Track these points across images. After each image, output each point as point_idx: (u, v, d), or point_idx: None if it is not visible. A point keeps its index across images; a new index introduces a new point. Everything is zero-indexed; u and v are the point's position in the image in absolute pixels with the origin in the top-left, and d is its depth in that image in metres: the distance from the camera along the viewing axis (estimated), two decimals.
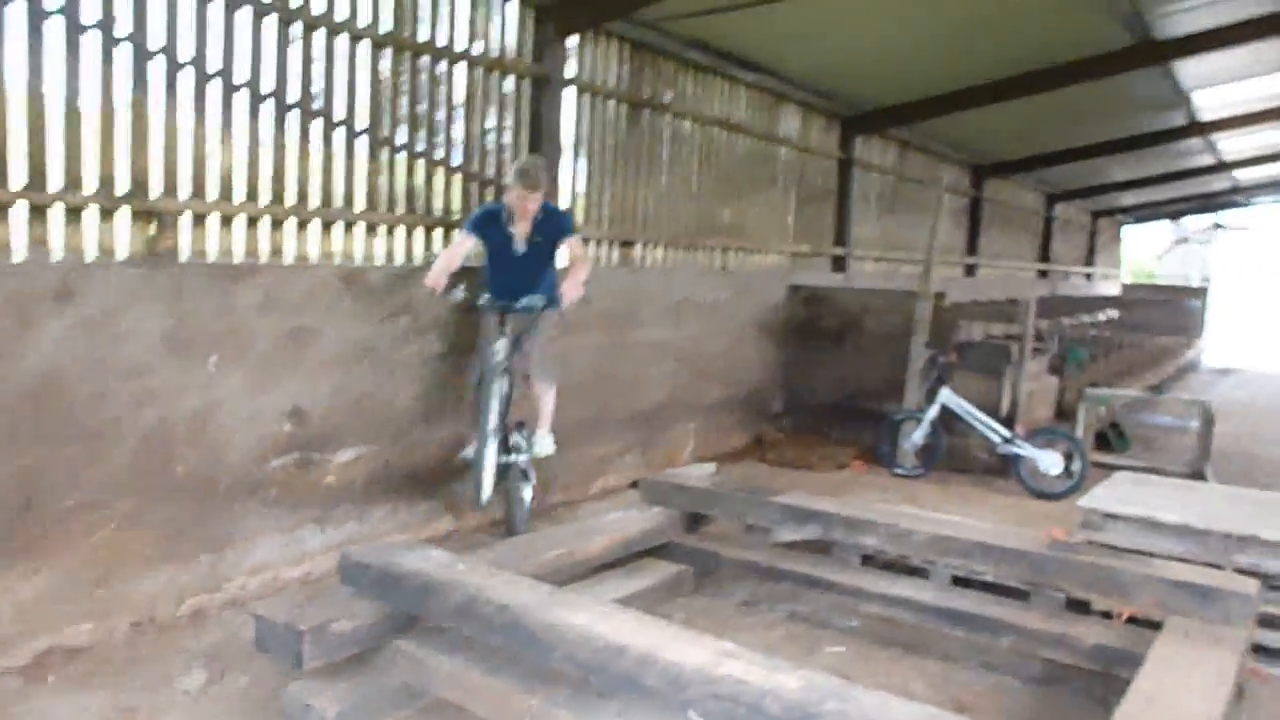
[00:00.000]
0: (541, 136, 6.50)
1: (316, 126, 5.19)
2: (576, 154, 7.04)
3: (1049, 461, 6.88)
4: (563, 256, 5.36)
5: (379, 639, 3.38)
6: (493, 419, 5.04)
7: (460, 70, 5.97)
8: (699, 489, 4.82)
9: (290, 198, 5.09)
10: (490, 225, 5.19)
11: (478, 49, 6.04)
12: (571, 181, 7.03)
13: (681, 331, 7.43)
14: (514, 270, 5.19)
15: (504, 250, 5.21)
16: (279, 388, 4.64)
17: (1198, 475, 7.26)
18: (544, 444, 5.40)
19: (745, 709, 2.49)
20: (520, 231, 5.18)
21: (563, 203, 6.79)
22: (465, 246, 5.17)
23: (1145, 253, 35.39)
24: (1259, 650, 4.06)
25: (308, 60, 5.10)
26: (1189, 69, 10.73)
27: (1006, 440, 7.08)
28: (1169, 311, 19.46)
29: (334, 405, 4.89)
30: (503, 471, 5.22)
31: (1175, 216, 29.98)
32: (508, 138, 6.37)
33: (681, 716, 2.66)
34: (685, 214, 8.31)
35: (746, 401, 8.30)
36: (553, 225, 5.23)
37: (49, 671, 3.63)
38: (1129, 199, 22.76)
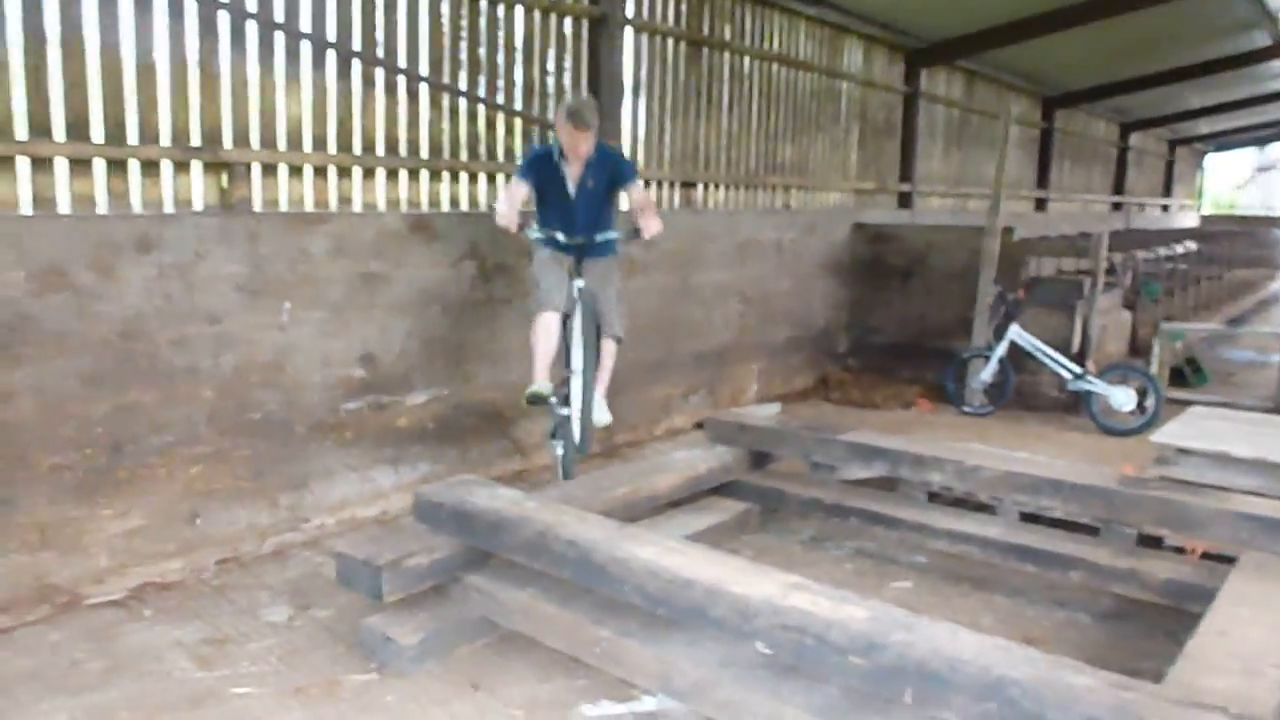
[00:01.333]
0: (601, 78, 6.48)
1: (379, 75, 5.24)
2: (636, 95, 6.99)
3: (1122, 398, 6.76)
4: (632, 198, 5.09)
5: (454, 574, 3.49)
6: (578, 357, 4.82)
7: (519, 13, 5.96)
8: (764, 428, 4.84)
9: (356, 146, 5.16)
10: (543, 167, 4.87)
11: None
12: (632, 123, 6.99)
13: (745, 272, 7.40)
14: (568, 213, 4.90)
15: (557, 192, 4.92)
16: (350, 333, 4.75)
17: (1277, 410, 7.06)
18: (602, 412, 5.00)
19: (812, 639, 2.53)
20: (573, 173, 4.88)
21: (624, 145, 6.77)
22: (520, 193, 4.82)
23: (1226, 182, 34.04)
24: None
25: (369, 8, 5.13)
26: None
27: (1078, 376, 6.96)
28: (1249, 243, 18.78)
29: (404, 349, 5.00)
30: (560, 425, 4.91)
31: (1259, 144, 28.74)
32: (568, 80, 6.36)
33: (749, 646, 2.72)
34: (747, 153, 8.23)
35: (812, 341, 8.27)
36: (609, 169, 4.95)
37: (144, 604, 3.82)
38: (1208, 126, 21.84)
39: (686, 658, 2.93)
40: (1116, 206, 18.78)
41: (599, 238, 4.85)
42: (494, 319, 5.44)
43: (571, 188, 4.92)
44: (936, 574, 4.30)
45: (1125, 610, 3.89)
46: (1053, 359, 7.03)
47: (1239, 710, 2.16)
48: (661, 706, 3.11)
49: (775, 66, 8.43)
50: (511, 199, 4.79)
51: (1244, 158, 32.43)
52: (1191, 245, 12.59)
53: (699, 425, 5.72)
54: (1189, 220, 24.17)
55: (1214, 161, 29.37)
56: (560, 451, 4.92)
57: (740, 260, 7.34)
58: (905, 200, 10.80)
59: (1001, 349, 7.14)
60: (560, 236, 4.80)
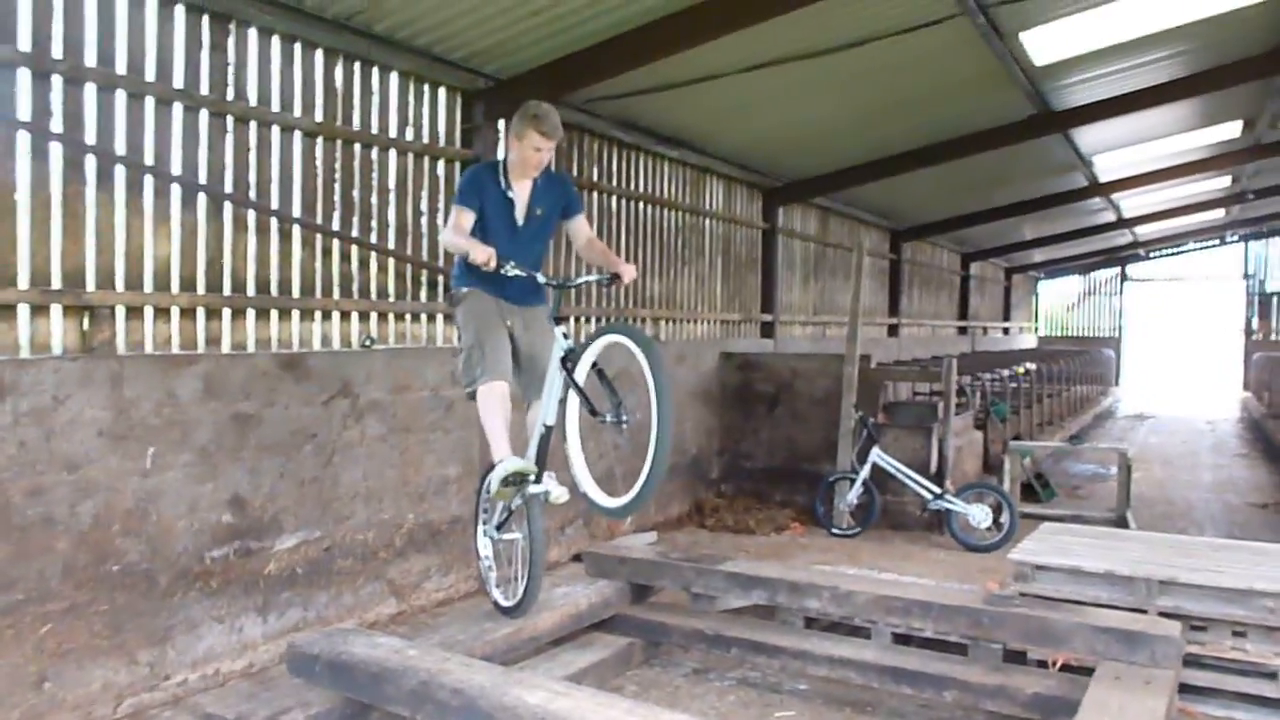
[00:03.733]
0: None
1: (251, 216, 5.24)
2: None
3: (979, 515, 7.09)
4: (582, 234, 4.47)
5: None
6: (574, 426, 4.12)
7: (393, 156, 6.09)
8: (644, 560, 4.88)
9: (226, 287, 5.11)
10: (487, 187, 4.17)
11: (409, 135, 6.16)
12: None
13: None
14: (515, 246, 4.13)
15: (501, 221, 4.20)
16: (219, 475, 4.61)
17: (1120, 521, 7.53)
18: (558, 488, 4.21)
19: None
20: (522, 197, 4.20)
21: None
22: (468, 221, 4.11)
23: (1058, 305, 36.67)
24: (1186, 689, 4.23)
25: (242, 151, 5.16)
26: (1087, 136, 11.37)
27: (937, 496, 7.28)
28: (1084, 361, 20.16)
29: (274, 491, 4.86)
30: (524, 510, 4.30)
31: (1084, 271, 31.23)
32: (441, 220, 6.48)
33: None
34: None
35: (686, 468, 8.40)
36: (558, 194, 4.31)
37: None
38: (1040, 255, 23.74)
39: None
40: (962, 330, 19.99)
41: (545, 280, 4.14)
42: (369, 457, 5.37)
43: (520, 214, 4.24)
44: (819, 700, 4.36)
45: None
46: (913, 479, 7.35)
47: None
48: None
49: (642, 205, 8.79)
50: (460, 229, 4.09)
51: (1071, 283, 35.14)
52: (1032, 365, 13.47)
53: (576, 558, 5.71)
54: (1028, 341, 25.86)
55: (1046, 287, 31.71)
56: (527, 543, 4.26)
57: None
58: (768, 329, 11.25)
59: (866, 471, 7.43)
60: (511, 268, 3.98)
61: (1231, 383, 24.35)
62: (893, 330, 15.70)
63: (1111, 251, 26.05)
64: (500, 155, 4.41)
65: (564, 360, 4.02)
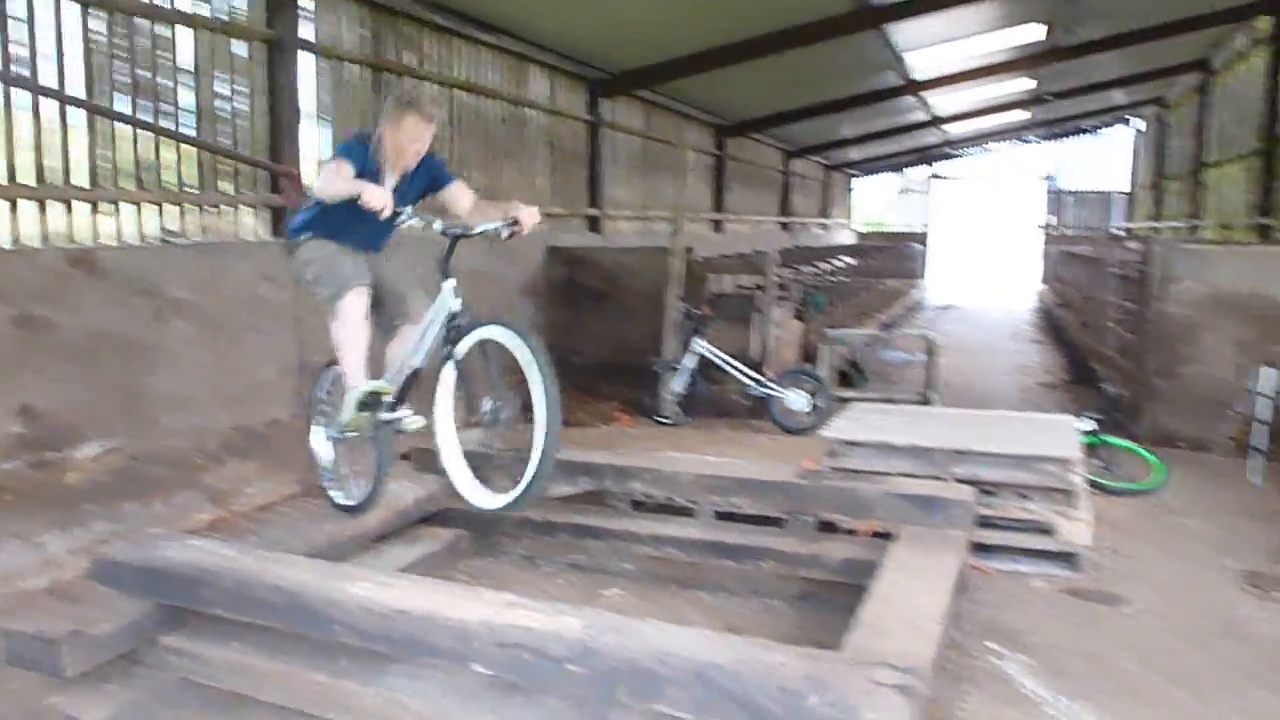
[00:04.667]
0: (279, 102, 6.24)
1: (20, 96, 4.75)
2: (319, 120, 6.80)
3: (798, 400, 7.41)
4: (462, 200, 4.29)
5: (146, 638, 3.23)
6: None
7: (186, 33, 5.62)
8: (472, 453, 4.85)
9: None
10: (361, 161, 3.93)
11: (204, 10, 5.70)
12: (317, 150, 6.79)
13: None
14: (374, 230, 4.05)
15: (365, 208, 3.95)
16: (4, 383, 4.26)
17: (925, 402, 8.04)
18: (413, 416, 4.22)
19: (531, 653, 2.59)
20: (390, 178, 4.05)
21: (306, 173, 6.55)
22: (349, 170, 3.84)
23: (874, 203, 38.17)
24: (979, 548, 4.62)
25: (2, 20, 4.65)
26: (901, 33, 11.69)
27: (759, 383, 7.55)
28: (896, 256, 21.19)
29: (71, 399, 4.55)
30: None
31: (899, 169, 32.55)
32: (243, 104, 6.07)
33: (471, 670, 2.74)
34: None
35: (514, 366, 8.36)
36: (428, 175, 4.18)
37: None
38: (857, 154, 24.50)
39: (409, 691, 2.89)
40: (784, 226, 20.55)
41: (443, 228, 4.02)
42: (177, 360, 5.08)
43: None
44: (645, 579, 4.51)
45: (813, 591, 4.27)
46: (736, 368, 7.59)
47: (904, 664, 2.47)
48: None
49: (462, 94, 8.50)
50: (344, 174, 3.81)
51: (887, 181, 36.60)
52: (849, 260, 14.07)
53: (405, 456, 5.64)
54: (845, 237, 26.86)
55: (862, 184, 32.90)
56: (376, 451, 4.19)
57: (437, 288, 7.28)
58: (595, 224, 11.23)
59: (691, 361, 7.61)
60: (405, 217, 3.90)
61: (1030, 276, 26.07)
62: (717, 225, 15.97)
63: (923, 150, 27.18)
64: (369, 131, 4.06)
65: (451, 321, 3.88)
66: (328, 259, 4.04)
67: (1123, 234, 18.84)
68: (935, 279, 25.70)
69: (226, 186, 5.93)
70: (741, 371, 7.59)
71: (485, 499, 4.02)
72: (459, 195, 4.24)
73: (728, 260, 9.65)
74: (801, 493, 4.25)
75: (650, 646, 2.51)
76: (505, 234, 4.00)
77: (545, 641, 2.59)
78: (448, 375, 3.97)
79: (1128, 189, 27.25)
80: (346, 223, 3.97)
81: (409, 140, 3.94)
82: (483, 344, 3.85)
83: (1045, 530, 4.62)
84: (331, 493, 4.38)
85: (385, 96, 7.34)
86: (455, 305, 3.91)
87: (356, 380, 3.99)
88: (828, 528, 4.47)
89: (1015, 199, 34.93)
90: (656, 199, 13.22)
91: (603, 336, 8.68)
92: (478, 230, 4.02)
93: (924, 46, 12.92)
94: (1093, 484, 5.51)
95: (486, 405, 3.84)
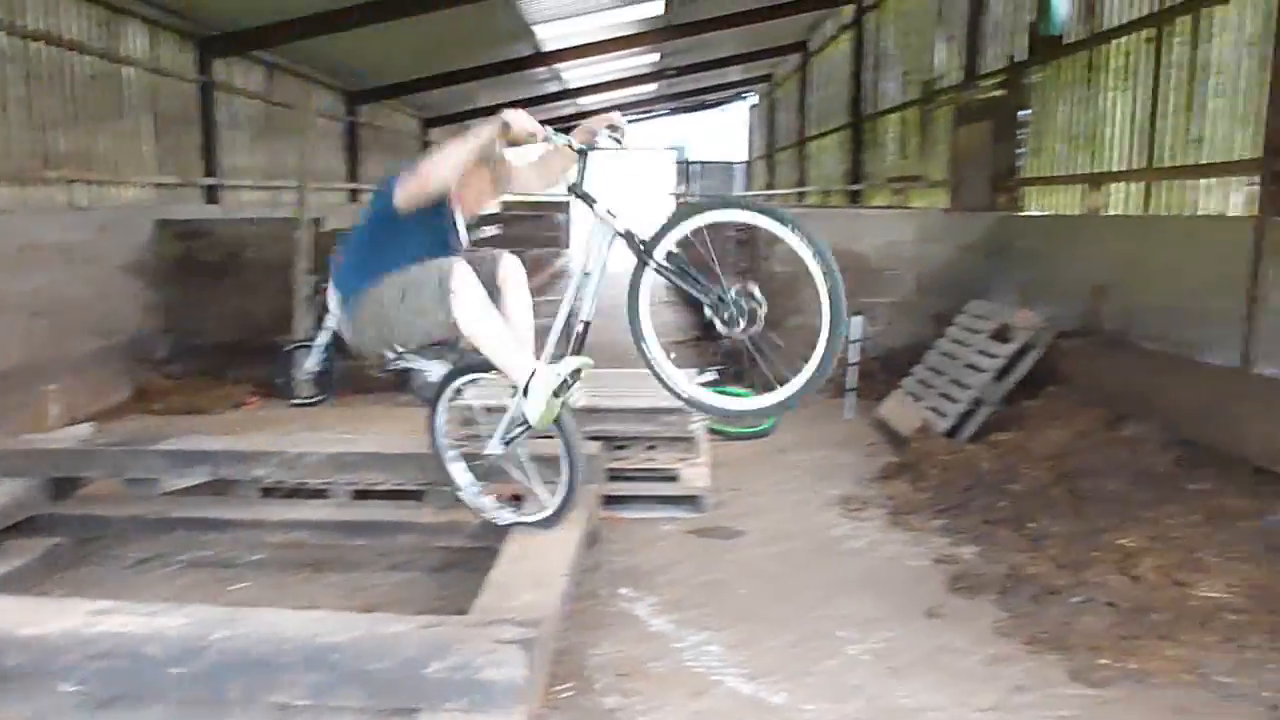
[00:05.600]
0: None
1: None
2: None
3: (439, 370, 7.33)
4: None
5: None
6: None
7: None
8: (65, 450, 4.33)
9: None
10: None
11: None
12: None
13: (28, 282, 6.48)
14: (438, 221, 3.73)
15: (439, 230, 3.73)
16: None
17: None
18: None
19: (127, 660, 2.37)
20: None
21: None
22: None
23: None
24: (613, 500, 4.84)
25: None
26: (531, 3, 11.84)
27: (396, 356, 7.36)
28: (540, 225, 21.63)
29: None
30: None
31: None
32: None
33: (56, 690, 2.45)
34: (8, 143, 7.18)
35: (124, 351, 7.56)
36: None
37: None
38: None
39: None
40: None
41: (578, 145, 3.62)
42: None
43: (459, 237, 3.83)
44: (275, 567, 4.27)
45: (453, 560, 4.27)
46: None
47: (526, 619, 2.52)
48: None
49: (40, 46, 7.47)
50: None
51: (531, 152, 37.20)
52: (494, 229, 14.11)
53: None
54: (490, 207, 26.96)
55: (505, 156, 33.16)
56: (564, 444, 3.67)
57: (17, 268, 6.40)
58: (213, 195, 10.39)
59: (323, 338, 7.28)
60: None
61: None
62: (354, 196, 15.39)
63: (558, 122, 27.78)
64: None
65: (629, 237, 3.27)
66: (404, 278, 3.46)
67: None
68: (579, 248, 26.48)
69: None
70: None
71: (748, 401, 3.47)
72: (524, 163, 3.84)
73: None
74: (434, 464, 4.21)
75: (262, 636, 2.38)
76: (619, 141, 3.59)
77: (142, 646, 2.37)
78: (644, 288, 3.35)
79: (747, 159, 29.69)
80: (404, 236, 3.43)
81: (489, 184, 3.81)
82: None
83: (671, 477, 4.95)
84: (508, 515, 3.77)
85: None
86: (622, 224, 3.32)
87: (529, 367, 3.38)
88: None
89: (649, 170, 36.92)
90: (282, 168, 12.46)
91: (226, 316, 8.06)
92: (600, 143, 3.55)
93: (553, 19, 13.21)
94: (712, 431, 5.97)
95: (719, 295, 3.12)
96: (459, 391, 3.95)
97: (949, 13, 11.09)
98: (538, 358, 3.52)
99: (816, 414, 6.91)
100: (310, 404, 7.34)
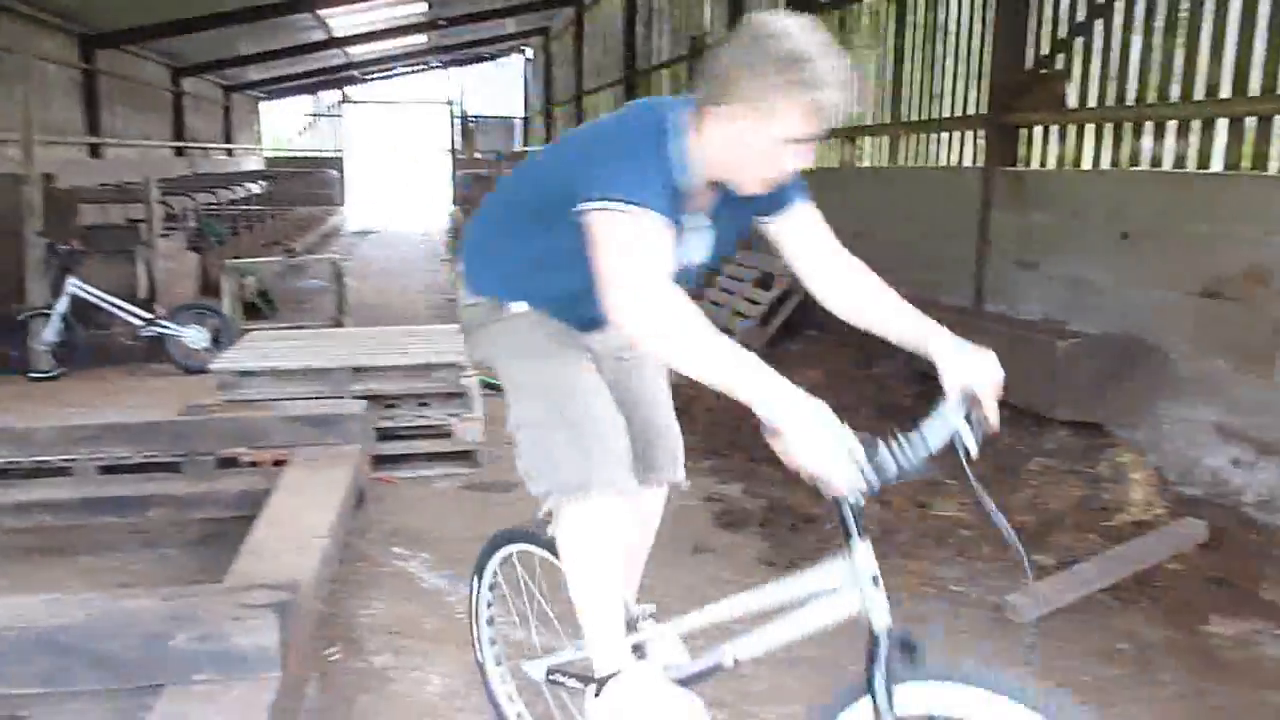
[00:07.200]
0: None
1: None
2: None
3: (196, 337, 6.93)
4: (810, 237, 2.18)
5: None
6: None
7: None
8: None
9: None
10: (665, 193, 1.79)
11: None
12: None
13: None
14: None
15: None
16: None
17: (338, 326, 8.00)
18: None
19: None
20: (698, 220, 2.02)
21: None
22: (666, 238, 1.76)
23: (288, 129, 36.70)
24: (386, 460, 4.74)
25: None
26: None
27: (150, 323, 6.91)
28: (311, 182, 20.68)
29: None
30: None
31: (308, 92, 31.53)
32: None
33: None
34: None
35: None
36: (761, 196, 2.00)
37: None
38: (258, 74, 23.20)
39: None
40: (179, 152, 18.82)
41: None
42: None
43: (689, 253, 2.04)
44: (11, 555, 3.93)
45: (212, 531, 4.06)
46: (121, 308, 6.86)
47: (281, 583, 2.44)
48: None
49: None
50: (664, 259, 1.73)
51: (299, 106, 35.32)
52: (259, 186, 13.34)
53: None
54: (255, 164, 25.49)
55: (271, 109, 31.38)
56: None
57: None
58: None
59: (63, 305, 6.70)
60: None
61: (443, 199, 26.97)
62: (96, 151, 14.11)
63: (330, 73, 26.61)
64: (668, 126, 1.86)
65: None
66: (543, 389, 2.15)
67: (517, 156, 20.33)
68: (354, 205, 25.59)
69: None
70: (128, 311, 6.87)
71: None
72: (799, 226, 2.14)
73: (103, 190, 8.60)
74: (190, 430, 3.99)
75: None
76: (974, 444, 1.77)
77: None
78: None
79: (524, 115, 29.43)
80: (562, 273, 2.01)
81: (787, 147, 1.79)
82: None
83: (444, 434, 4.90)
84: None
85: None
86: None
87: (617, 662, 2.12)
88: (231, 464, 4.26)
89: (425, 124, 35.88)
90: (8, 120, 11.23)
91: None
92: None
93: None
94: (485, 385, 5.95)
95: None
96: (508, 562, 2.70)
97: None
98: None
99: None
100: (50, 378, 6.74)
